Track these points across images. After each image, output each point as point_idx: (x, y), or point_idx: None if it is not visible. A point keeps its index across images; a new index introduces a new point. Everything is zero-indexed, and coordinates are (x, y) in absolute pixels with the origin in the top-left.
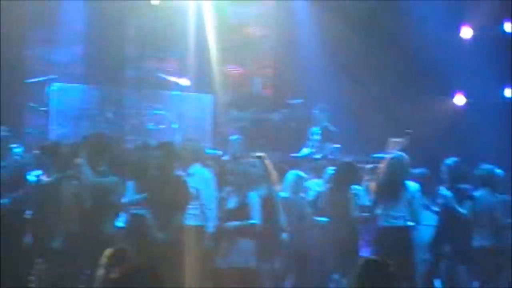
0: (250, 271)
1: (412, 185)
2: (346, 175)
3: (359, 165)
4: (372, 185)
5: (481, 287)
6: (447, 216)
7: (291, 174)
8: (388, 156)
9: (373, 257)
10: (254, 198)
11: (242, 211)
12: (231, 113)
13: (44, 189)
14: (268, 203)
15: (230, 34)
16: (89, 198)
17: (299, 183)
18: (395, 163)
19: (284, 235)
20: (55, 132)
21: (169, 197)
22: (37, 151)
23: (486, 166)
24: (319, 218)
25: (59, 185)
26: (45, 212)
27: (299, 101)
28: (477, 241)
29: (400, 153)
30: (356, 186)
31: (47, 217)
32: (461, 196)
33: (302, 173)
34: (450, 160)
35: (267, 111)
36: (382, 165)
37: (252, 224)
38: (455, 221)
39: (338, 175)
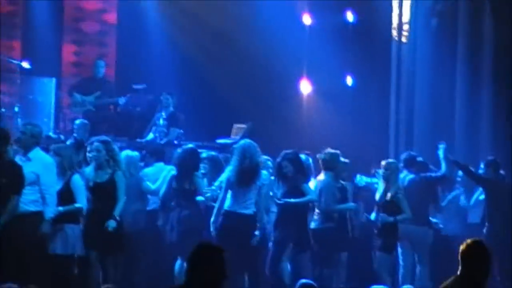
0: (74, 258)
1: (263, 173)
2: (190, 161)
3: (205, 150)
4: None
5: (319, 270)
6: (282, 205)
7: (121, 155)
8: (237, 144)
9: (204, 242)
10: (78, 181)
11: (67, 194)
12: (75, 97)
13: None
14: (103, 187)
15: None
16: None
17: (130, 162)
18: (245, 148)
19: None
20: None
21: (3, 182)
22: None
23: (329, 151)
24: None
25: None
26: None
27: (143, 86)
28: (313, 225)
29: (248, 140)
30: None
31: None
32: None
33: (133, 153)
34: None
35: (111, 95)
36: (234, 153)
37: (76, 208)
38: (290, 208)
39: (182, 161)
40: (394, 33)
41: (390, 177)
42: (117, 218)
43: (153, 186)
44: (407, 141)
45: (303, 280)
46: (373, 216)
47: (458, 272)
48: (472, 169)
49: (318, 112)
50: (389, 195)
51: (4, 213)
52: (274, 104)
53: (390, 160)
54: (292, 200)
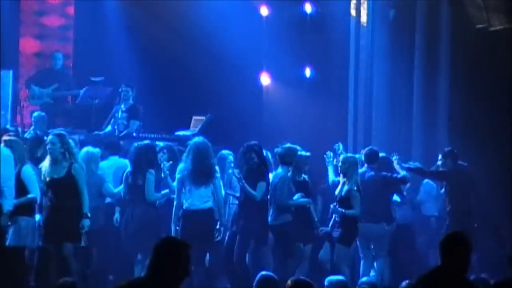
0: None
1: (215, 170)
2: (146, 156)
3: (165, 142)
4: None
5: (279, 262)
6: (244, 196)
7: (82, 151)
8: (190, 143)
9: (170, 237)
10: (27, 172)
11: (19, 186)
12: (32, 89)
13: None
14: (61, 182)
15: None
16: None
17: (91, 159)
18: (199, 147)
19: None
20: None
21: None
22: None
23: (286, 145)
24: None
25: None
26: None
27: (101, 78)
28: (270, 219)
29: (201, 138)
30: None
31: None
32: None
33: (94, 149)
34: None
35: (69, 88)
36: (187, 152)
37: (30, 199)
38: (248, 201)
39: (136, 157)
40: (352, 24)
41: (347, 171)
42: (88, 214)
43: (115, 190)
44: (365, 132)
45: (263, 272)
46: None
47: (439, 263)
48: (425, 169)
49: (278, 104)
50: (345, 189)
51: None
52: (234, 96)
53: (349, 154)
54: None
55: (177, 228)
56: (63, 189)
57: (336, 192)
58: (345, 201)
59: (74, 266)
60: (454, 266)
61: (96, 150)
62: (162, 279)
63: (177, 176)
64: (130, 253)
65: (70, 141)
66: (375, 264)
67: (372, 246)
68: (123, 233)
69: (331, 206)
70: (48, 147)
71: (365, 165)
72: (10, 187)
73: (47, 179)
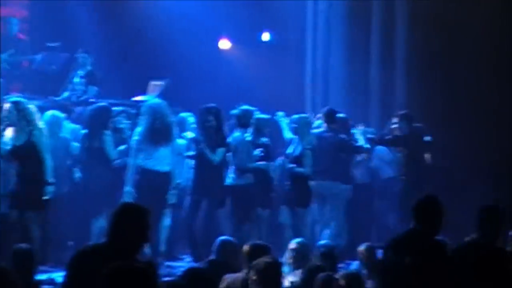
0: None
1: (174, 131)
2: (100, 118)
3: (123, 108)
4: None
5: (237, 226)
6: (200, 160)
7: (46, 115)
8: (147, 104)
9: (130, 203)
10: None
11: None
12: None
13: None
14: (22, 148)
15: None
16: None
17: (55, 123)
18: (155, 107)
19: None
20: None
21: None
22: None
23: (243, 108)
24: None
25: None
26: None
27: (58, 43)
28: (229, 181)
29: (158, 100)
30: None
31: None
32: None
33: (59, 114)
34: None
35: (25, 53)
36: (142, 113)
37: None
38: (205, 164)
39: (91, 120)
40: None
41: (298, 131)
42: (50, 181)
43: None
44: (323, 94)
45: (223, 237)
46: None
47: (411, 226)
48: (384, 137)
49: (237, 68)
50: (298, 149)
51: None
52: (192, 61)
53: (300, 114)
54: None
55: (132, 187)
56: (24, 156)
57: (289, 151)
58: (297, 160)
59: (35, 234)
60: (426, 229)
61: (61, 115)
62: (122, 245)
63: (134, 138)
64: (89, 216)
65: (30, 107)
66: (332, 226)
67: (328, 207)
68: (82, 196)
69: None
70: (4, 115)
71: (324, 124)
72: None
73: (9, 147)
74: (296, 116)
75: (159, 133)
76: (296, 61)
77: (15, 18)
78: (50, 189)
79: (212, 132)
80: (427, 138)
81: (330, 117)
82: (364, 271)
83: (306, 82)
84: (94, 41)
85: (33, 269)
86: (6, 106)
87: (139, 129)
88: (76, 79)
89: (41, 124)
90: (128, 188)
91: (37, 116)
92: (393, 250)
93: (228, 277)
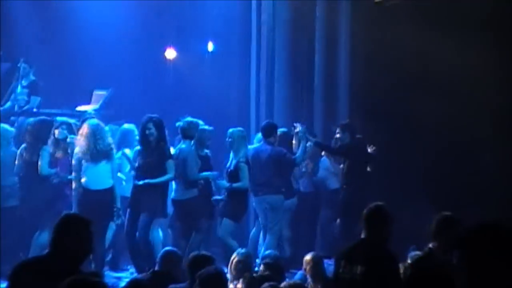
0: None
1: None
2: (40, 132)
3: (65, 118)
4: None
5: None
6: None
7: None
8: (86, 123)
9: (71, 213)
10: None
11: None
12: None
13: None
14: None
15: None
16: None
17: (4, 136)
18: (95, 132)
19: None
20: None
21: None
22: None
23: (188, 119)
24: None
25: None
26: None
27: None
28: (176, 195)
29: (95, 120)
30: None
31: None
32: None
33: (7, 126)
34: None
35: None
36: (82, 131)
37: None
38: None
39: (32, 133)
40: None
41: (233, 145)
42: None
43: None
44: (267, 106)
45: (167, 248)
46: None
47: (362, 235)
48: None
49: (182, 78)
50: (233, 163)
51: None
52: (137, 70)
53: (235, 128)
54: (153, 180)
55: (76, 206)
56: None
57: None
58: (233, 174)
59: None
60: (376, 238)
61: (11, 129)
62: (64, 256)
63: (75, 155)
64: (31, 230)
65: None
66: (266, 240)
67: (271, 219)
68: (22, 210)
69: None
70: None
71: (262, 138)
72: None
73: None
74: (231, 130)
75: (98, 152)
76: (241, 72)
77: None
78: None
79: (152, 140)
80: (369, 149)
81: (267, 131)
82: (309, 281)
83: (250, 93)
84: (36, 50)
85: None
86: None
87: (78, 149)
88: (19, 89)
89: None
90: (73, 205)
91: None
92: (345, 260)
93: (173, 286)
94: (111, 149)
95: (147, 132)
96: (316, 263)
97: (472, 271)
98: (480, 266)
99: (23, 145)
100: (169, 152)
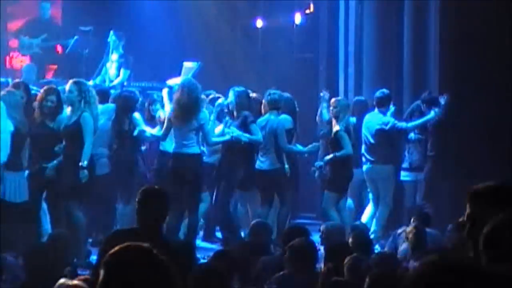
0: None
1: (204, 111)
2: (126, 103)
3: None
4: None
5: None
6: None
7: None
8: (181, 82)
9: (150, 186)
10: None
11: None
12: (22, 40)
13: None
14: (69, 129)
15: None
16: None
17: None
18: (184, 86)
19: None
20: None
21: None
22: None
23: (277, 91)
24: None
25: None
26: None
27: (90, 28)
28: (265, 165)
29: (189, 77)
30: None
31: None
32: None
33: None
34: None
35: (58, 38)
36: (176, 92)
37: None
38: (236, 148)
39: (119, 104)
40: None
41: (338, 114)
42: (83, 165)
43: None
44: (356, 78)
45: (257, 220)
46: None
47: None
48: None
49: (270, 49)
50: (334, 131)
51: None
52: (227, 41)
53: (340, 98)
54: (245, 136)
55: (162, 171)
56: (69, 137)
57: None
58: (334, 143)
59: (81, 221)
60: None
61: (111, 105)
62: (144, 226)
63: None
64: (114, 200)
65: (90, 89)
66: (377, 211)
67: (378, 190)
68: (109, 179)
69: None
70: (66, 94)
71: (376, 108)
72: (3, 139)
73: (62, 127)
74: (335, 99)
75: (185, 109)
76: (329, 44)
77: (47, 3)
78: (83, 174)
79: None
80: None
81: (382, 100)
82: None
83: (338, 65)
84: (126, 24)
85: (69, 254)
86: (69, 86)
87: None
88: (109, 63)
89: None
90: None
91: (95, 99)
92: None
93: (265, 259)
94: (198, 106)
95: (236, 105)
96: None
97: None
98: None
99: (113, 116)
100: (249, 120)
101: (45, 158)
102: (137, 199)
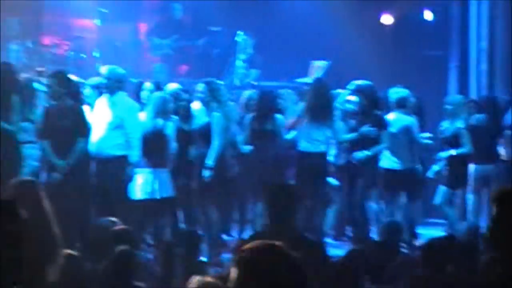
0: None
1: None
2: (269, 102)
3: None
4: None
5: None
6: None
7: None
8: (311, 80)
9: (283, 183)
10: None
11: None
12: (153, 41)
13: None
14: (199, 129)
15: None
16: None
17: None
18: (317, 86)
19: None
20: None
21: (66, 124)
22: None
23: (402, 89)
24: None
25: None
26: None
27: (220, 28)
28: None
29: (321, 77)
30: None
31: None
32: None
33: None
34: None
35: (189, 38)
36: (307, 90)
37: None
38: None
39: (261, 103)
40: None
41: (454, 111)
42: (209, 165)
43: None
44: (489, 75)
45: (391, 219)
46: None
47: None
48: None
49: (398, 46)
50: (452, 129)
51: (71, 155)
52: (354, 39)
53: (455, 95)
54: (366, 153)
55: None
56: (201, 137)
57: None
58: (452, 141)
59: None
60: None
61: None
62: (282, 225)
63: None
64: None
65: (220, 88)
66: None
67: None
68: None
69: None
70: (197, 95)
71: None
72: (137, 138)
73: (193, 126)
74: (448, 96)
75: (320, 109)
76: (461, 41)
77: (178, 3)
78: (207, 173)
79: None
80: None
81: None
82: None
83: (470, 61)
84: (255, 24)
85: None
86: (199, 85)
87: (301, 106)
88: (238, 63)
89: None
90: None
91: (227, 98)
92: None
93: (402, 257)
94: (332, 105)
95: (357, 104)
96: None
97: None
98: None
99: (251, 115)
100: (376, 120)
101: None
102: (266, 196)
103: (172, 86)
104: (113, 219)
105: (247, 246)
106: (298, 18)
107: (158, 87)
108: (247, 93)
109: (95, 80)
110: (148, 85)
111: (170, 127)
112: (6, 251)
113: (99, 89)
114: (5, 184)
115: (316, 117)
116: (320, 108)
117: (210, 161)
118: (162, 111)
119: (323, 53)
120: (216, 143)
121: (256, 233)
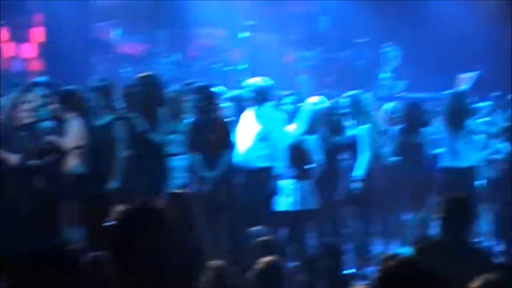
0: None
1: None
2: (417, 115)
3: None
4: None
5: None
6: None
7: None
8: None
9: (455, 195)
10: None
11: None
12: (299, 53)
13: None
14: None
15: None
16: None
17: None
18: (456, 95)
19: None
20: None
21: (213, 138)
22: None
23: None
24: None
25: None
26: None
27: (365, 39)
28: None
29: (460, 89)
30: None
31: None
32: None
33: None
34: None
35: (334, 50)
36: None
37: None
38: None
39: (408, 115)
40: None
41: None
42: (358, 177)
43: None
44: None
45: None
46: None
47: None
48: None
49: None
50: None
51: (218, 167)
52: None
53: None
54: None
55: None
56: (348, 149)
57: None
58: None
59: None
60: None
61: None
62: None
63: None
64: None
65: (363, 99)
66: None
67: None
68: (395, 193)
69: None
70: (343, 107)
71: None
72: (282, 149)
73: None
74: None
75: (457, 117)
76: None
77: (324, 16)
78: (356, 185)
79: None
80: None
81: None
82: None
83: None
84: (401, 35)
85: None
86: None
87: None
88: (384, 74)
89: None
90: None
91: (372, 109)
92: None
93: None
94: (467, 113)
95: None
96: None
97: None
98: None
99: (399, 127)
100: None
101: None
102: (444, 208)
103: (317, 99)
104: (262, 228)
105: (389, 263)
106: (447, 28)
107: (301, 99)
108: (390, 104)
109: (237, 92)
110: (291, 97)
111: (315, 140)
112: (154, 260)
113: (240, 102)
114: (154, 196)
115: (455, 126)
116: (456, 117)
117: (359, 172)
118: (315, 125)
119: (472, 63)
120: (365, 156)
121: (424, 242)
